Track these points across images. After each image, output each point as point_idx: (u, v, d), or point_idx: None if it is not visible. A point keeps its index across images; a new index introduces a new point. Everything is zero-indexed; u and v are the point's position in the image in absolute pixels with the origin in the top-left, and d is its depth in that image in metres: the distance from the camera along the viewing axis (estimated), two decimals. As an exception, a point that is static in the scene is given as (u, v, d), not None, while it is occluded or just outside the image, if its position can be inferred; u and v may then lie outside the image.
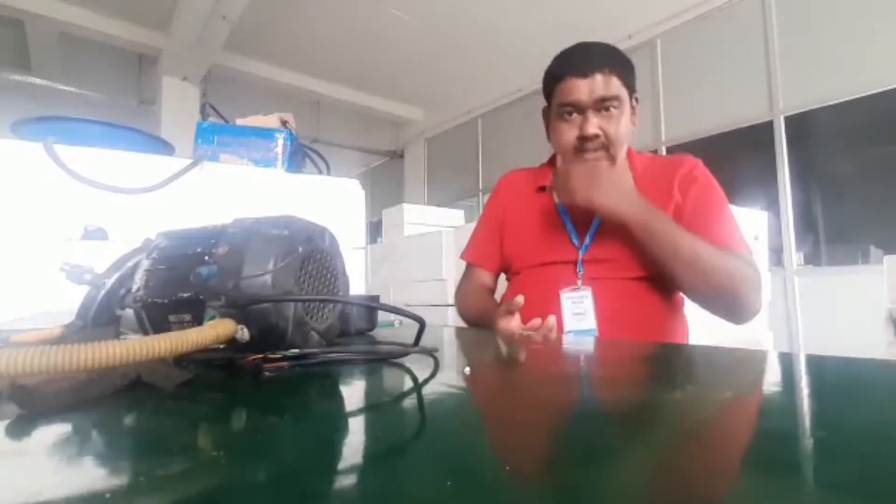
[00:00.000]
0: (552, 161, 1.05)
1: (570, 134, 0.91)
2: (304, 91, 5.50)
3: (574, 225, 0.93)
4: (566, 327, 0.85)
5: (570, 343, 0.61)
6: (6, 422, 0.27)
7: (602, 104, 0.87)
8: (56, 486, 0.19)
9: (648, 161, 0.98)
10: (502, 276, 1.07)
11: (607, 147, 0.89)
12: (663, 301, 0.89)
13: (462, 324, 1.07)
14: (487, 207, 1.10)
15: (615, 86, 0.87)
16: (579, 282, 0.88)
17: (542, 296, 0.90)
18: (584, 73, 0.87)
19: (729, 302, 0.81)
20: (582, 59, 0.89)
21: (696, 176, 0.90)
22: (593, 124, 0.87)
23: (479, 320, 0.98)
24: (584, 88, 0.87)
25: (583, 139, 0.89)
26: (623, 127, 0.90)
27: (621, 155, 0.94)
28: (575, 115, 0.90)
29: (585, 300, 0.86)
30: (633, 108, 0.94)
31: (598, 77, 0.87)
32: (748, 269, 0.82)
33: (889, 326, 1.93)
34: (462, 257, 1.11)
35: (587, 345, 0.59)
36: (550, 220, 0.96)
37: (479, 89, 5.39)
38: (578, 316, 0.85)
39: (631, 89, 0.92)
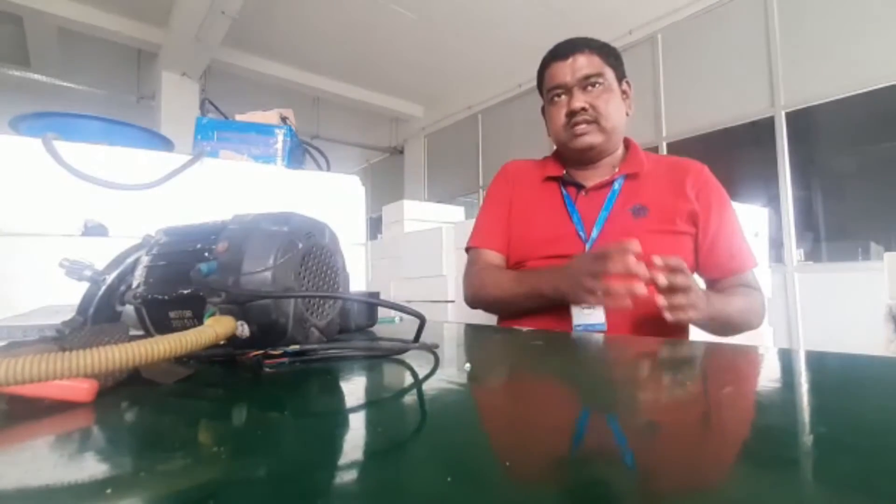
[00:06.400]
0: (556, 154, 1.05)
1: (559, 114, 0.96)
2: (304, 87, 5.49)
3: (581, 218, 0.93)
4: (574, 321, 0.85)
5: (570, 340, 0.61)
6: (5, 417, 0.27)
7: (586, 81, 0.93)
8: (56, 482, 0.19)
9: (655, 159, 1.00)
10: None
11: (597, 121, 0.93)
12: None
13: (462, 320, 1.06)
14: (493, 192, 1.07)
15: (597, 63, 0.93)
16: None
17: None
18: (566, 55, 0.94)
19: (737, 332, 0.88)
20: (564, 45, 0.96)
21: (711, 188, 0.93)
22: (579, 99, 0.92)
23: (514, 291, 0.89)
24: (566, 69, 0.93)
25: (571, 114, 0.93)
26: (613, 105, 0.93)
27: (616, 136, 0.96)
28: (563, 96, 0.95)
29: None
30: (624, 92, 0.98)
31: (580, 57, 0.93)
32: (756, 302, 0.88)
33: (889, 323, 1.93)
34: (470, 244, 1.04)
35: (589, 341, 0.59)
36: (558, 212, 0.96)
37: (479, 85, 5.38)
38: (587, 311, 0.85)
39: (618, 72, 0.96)
